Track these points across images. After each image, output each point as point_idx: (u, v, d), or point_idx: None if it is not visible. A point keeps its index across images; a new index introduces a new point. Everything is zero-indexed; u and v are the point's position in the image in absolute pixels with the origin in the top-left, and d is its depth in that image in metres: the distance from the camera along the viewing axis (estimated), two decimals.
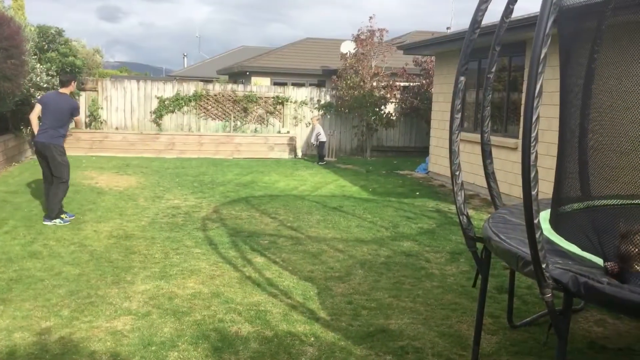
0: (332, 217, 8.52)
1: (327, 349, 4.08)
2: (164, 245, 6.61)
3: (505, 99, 10.68)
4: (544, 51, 2.52)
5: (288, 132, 17.33)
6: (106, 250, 6.36)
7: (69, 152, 15.25)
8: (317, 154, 15.83)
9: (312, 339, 4.25)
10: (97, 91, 16.46)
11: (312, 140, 16.16)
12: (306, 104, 17.72)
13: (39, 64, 13.86)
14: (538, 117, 2.56)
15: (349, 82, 16.60)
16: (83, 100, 16.23)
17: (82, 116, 16.17)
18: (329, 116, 17.84)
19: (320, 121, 16.76)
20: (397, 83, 17.35)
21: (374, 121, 16.98)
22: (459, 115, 3.82)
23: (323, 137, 15.74)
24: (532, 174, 2.58)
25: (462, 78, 3.77)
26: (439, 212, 9.16)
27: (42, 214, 7.89)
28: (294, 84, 19.53)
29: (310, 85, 20.02)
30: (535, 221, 2.59)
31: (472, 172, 10.71)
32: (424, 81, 17.35)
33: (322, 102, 17.81)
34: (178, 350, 3.98)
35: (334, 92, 17.67)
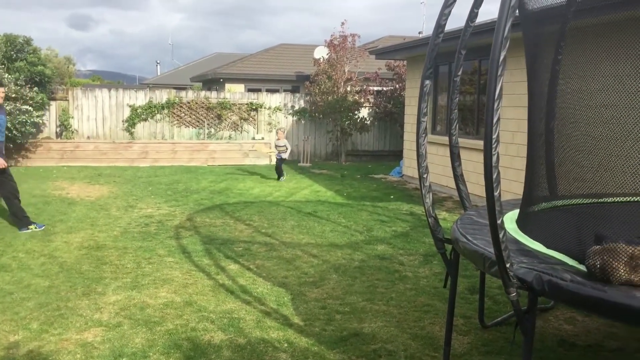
0: (306, 222, 8.52)
1: (300, 354, 4.08)
2: (136, 255, 6.54)
3: (476, 101, 10.81)
4: (502, 54, 2.56)
5: (262, 138, 17.31)
6: (77, 261, 6.27)
7: (40, 163, 15.07)
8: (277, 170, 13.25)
9: (286, 344, 4.24)
10: (68, 100, 16.25)
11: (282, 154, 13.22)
12: (280, 110, 17.72)
13: (7, 74, 13.65)
14: (499, 119, 2.60)
15: (322, 87, 16.66)
16: (53, 109, 16.02)
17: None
18: (303, 122, 17.85)
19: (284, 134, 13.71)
20: (371, 88, 17.46)
21: (348, 126, 17.05)
22: (425, 119, 3.86)
23: (284, 154, 13.21)
24: (494, 175, 2.61)
25: (427, 82, 3.81)
26: (413, 215, 9.22)
27: (11, 226, 7.77)
28: (268, 90, 19.53)
29: (285, 91, 20.05)
30: (499, 221, 2.63)
31: (445, 175, 10.81)
32: (397, 85, 17.50)
33: (296, 107, 17.83)
34: None
35: (307, 97, 17.70)
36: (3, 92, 7.70)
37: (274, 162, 16.75)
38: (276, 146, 13.34)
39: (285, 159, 13.29)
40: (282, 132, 13.50)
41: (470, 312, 4.90)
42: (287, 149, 13.24)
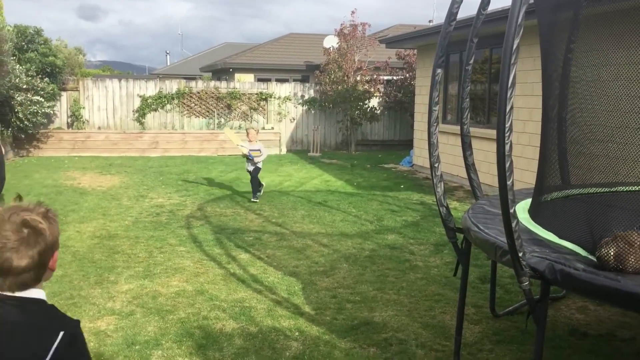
0: (316, 212, 8.53)
1: (311, 343, 4.10)
2: (147, 244, 6.59)
3: (487, 90, 10.74)
4: (516, 42, 2.54)
5: (272, 128, 17.31)
6: (89, 250, 6.33)
7: (52, 153, 15.19)
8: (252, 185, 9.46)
9: (297, 333, 4.26)
10: (79, 91, 16.31)
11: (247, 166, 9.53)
12: (290, 100, 17.70)
13: (18, 65, 13.71)
14: (512, 108, 2.58)
15: (332, 77, 16.60)
16: (64, 100, 16.09)
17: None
18: (313, 111, 17.83)
19: (254, 136, 9.53)
20: (381, 77, 17.38)
21: (358, 115, 17.00)
22: (437, 108, 3.84)
23: (259, 162, 9.42)
24: (507, 164, 2.60)
25: (439, 70, 3.79)
26: (423, 205, 9.20)
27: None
28: (277, 80, 19.49)
29: (294, 80, 20.00)
30: (511, 210, 2.62)
31: (455, 164, 10.76)
32: (407, 74, 17.39)
33: (306, 97, 17.80)
34: (162, 349, 3.98)
35: (317, 87, 17.66)
36: None
37: (284, 151, 16.81)
38: (249, 151, 9.35)
39: (260, 169, 9.47)
40: (254, 132, 9.58)
41: (481, 302, 4.90)
42: (262, 154, 9.45)
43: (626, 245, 2.54)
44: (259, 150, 9.44)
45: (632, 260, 2.55)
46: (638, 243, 2.55)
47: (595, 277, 2.51)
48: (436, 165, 3.82)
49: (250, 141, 9.49)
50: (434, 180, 3.84)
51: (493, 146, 10.42)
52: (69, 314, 4.55)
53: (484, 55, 10.72)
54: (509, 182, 2.62)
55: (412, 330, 4.32)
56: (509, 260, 2.80)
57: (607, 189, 3.37)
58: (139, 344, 4.04)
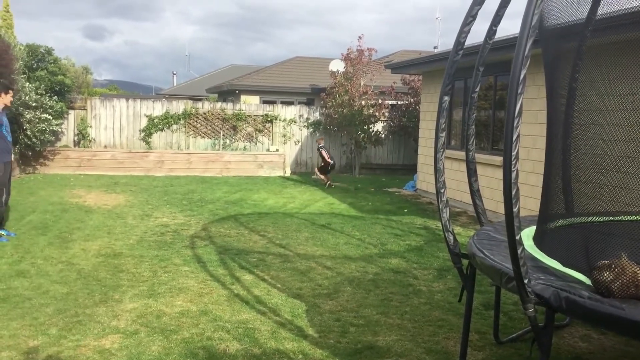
0: (320, 234, 8.56)
1: None
2: (152, 264, 6.61)
3: (491, 117, 10.83)
4: (523, 72, 2.60)
5: (277, 150, 17.41)
6: (94, 268, 6.35)
7: (58, 170, 15.28)
8: None
9: (301, 356, 4.27)
10: (86, 109, 16.47)
11: None
12: (295, 122, 17.83)
13: (28, 83, 13.88)
14: (518, 136, 2.64)
15: (338, 100, 16.75)
16: (72, 118, 16.24)
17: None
18: (317, 134, 17.95)
19: None
20: (386, 101, 17.53)
21: (363, 139, 17.11)
22: (443, 134, 3.90)
23: None
24: (514, 192, 2.64)
25: (446, 98, 3.86)
26: (427, 230, 9.22)
27: (30, 232, 7.88)
28: (283, 102, 19.66)
29: (299, 103, 20.17)
30: (517, 237, 2.65)
31: (459, 190, 10.81)
32: (411, 100, 17.55)
33: (311, 120, 17.93)
34: None
35: (323, 110, 17.80)
36: (11, 96, 7.69)
37: (288, 173, 16.86)
38: None
39: None
40: None
41: (485, 328, 4.90)
42: None
43: (618, 272, 2.58)
44: None
45: (619, 284, 2.59)
46: (630, 270, 2.59)
47: (600, 305, 2.54)
48: (442, 191, 3.87)
49: None
50: (440, 205, 3.88)
51: (496, 172, 10.48)
52: (73, 331, 4.59)
53: (488, 82, 10.83)
54: (515, 209, 2.66)
55: (416, 355, 4.33)
56: (515, 287, 2.82)
57: (610, 218, 3.41)
58: None
